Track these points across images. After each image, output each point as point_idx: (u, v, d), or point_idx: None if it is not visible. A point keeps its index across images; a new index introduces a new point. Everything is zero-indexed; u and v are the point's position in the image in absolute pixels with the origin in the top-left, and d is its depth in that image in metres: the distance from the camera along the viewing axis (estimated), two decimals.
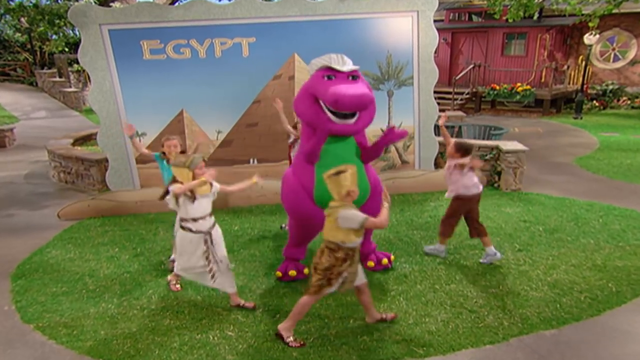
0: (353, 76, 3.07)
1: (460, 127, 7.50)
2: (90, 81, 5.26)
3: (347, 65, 3.10)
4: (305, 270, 3.54)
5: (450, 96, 12.48)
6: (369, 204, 3.30)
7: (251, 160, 5.68)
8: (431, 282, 3.50)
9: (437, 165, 6.18)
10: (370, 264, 3.65)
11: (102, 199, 5.28)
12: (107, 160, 5.50)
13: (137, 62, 5.13)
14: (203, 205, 2.93)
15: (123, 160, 5.43)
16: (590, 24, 9.20)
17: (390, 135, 3.11)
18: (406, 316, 3.05)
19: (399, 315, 3.05)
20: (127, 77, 5.17)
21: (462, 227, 4.52)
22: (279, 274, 3.55)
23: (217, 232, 3.06)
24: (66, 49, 15.99)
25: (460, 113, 9.26)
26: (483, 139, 7.18)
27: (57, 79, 15.10)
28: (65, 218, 5.11)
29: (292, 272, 3.54)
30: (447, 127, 7.58)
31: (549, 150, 8.01)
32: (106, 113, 5.23)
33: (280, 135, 5.64)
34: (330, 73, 3.05)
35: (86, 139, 7.82)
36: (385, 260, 3.69)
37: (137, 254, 4.15)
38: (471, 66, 13.26)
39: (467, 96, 13.10)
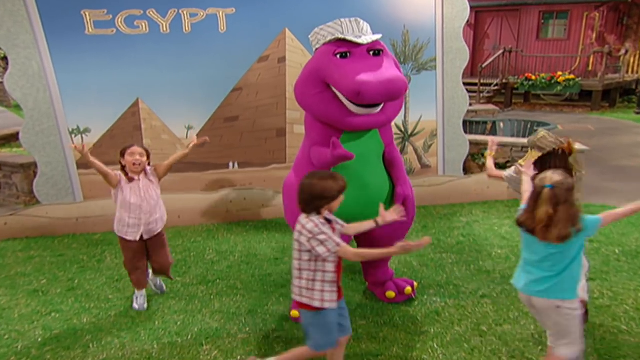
0: (375, 51, 2.83)
1: (494, 123, 7.35)
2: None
3: (365, 34, 2.86)
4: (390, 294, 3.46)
5: (475, 88, 12.42)
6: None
7: (230, 164, 5.50)
8: (475, 322, 3.24)
9: (468, 170, 6.00)
10: (390, 294, 3.49)
11: (26, 214, 5.03)
12: (36, 165, 5.22)
13: (77, 37, 4.90)
14: None
15: (59, 163, 5.15)
16: None
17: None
18: None
19: None
20: (64, 57, 4.92)
21: (507, 249, 4.32)
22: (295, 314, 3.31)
23: None
24: None
25: (491, 107, 9.18)
26: (524, 136, 7.02)
27: None
28: None
29: None
30: (477, 122, 7.51)
31: (607, 152, 7.90)
32: (33, 103, 4.97)
33: (268, 132, 5.47)
34: (344, 49, 2.80)
35: (9, 139, 7.57)
36: (408, 289, 3.53)
37: (74, 287, 3.90)
38: (500, 52, 13.27)
39: (496, 88, 13.07)
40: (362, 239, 3.35)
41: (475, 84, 12.54)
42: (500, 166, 5.97)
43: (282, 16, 5.23)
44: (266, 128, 5.42)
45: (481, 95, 12.55)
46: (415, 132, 5.72)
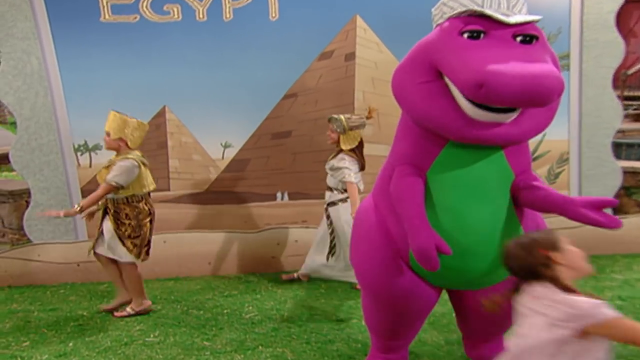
0: (525, 36, 2.61)
1: None
2: None
3: (514, 12, 2.68)
4: None
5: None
6: None
7: (279, 195, 5.53)
8: None
9: (619, 208, 5.73)
10: None
11: (11, 256, 5.21)
12: (29, 193, 5.46)
13: (90, 26, 5.16)
14: None
15: (59, 190, 5.37)
16: None
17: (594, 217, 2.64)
18: None
19: None
20: (71, 52, 5.18)
21: None
22: None
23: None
24: None
25: None
26: None
27: None
28: None
29: None
30: (630, 145, 7.13)
31: None
32: (30, 110, 5.23)
33: (329, 153, 5.43)
34: (476, 26, 2.61)
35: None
36: None
37: (67, 352, 3.91)
38: None
39: None
40: (464, 299, 3.17)
41: (617, 97, 12.18)
42: None
43: (351, 0, 5.32)
44: (327, 147, 5.38)
45: (625, 111, 12.11)
46: (536, 155, 5.53)
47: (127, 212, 4.24)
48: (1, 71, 5.14)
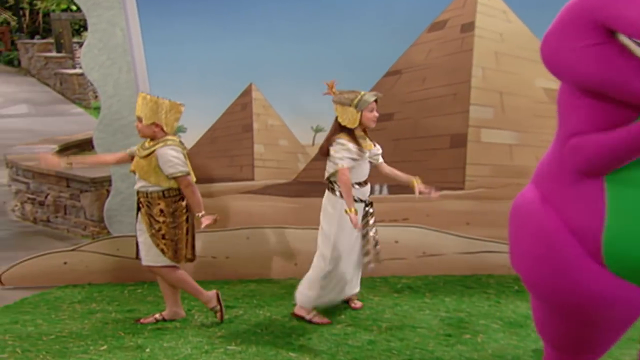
0: None
1: None
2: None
3: None
4: None
5: None
6: None
7: (377, 188, 5.44)
8: None
9: None
10: None
11: (92, 250, 5.39)
12: (110, 181, 5.70)
13: None
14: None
15: None
16: None
17: None
18: None
19: None
20: (155, 23, 5.30)
21: None
22: None
23: None
24: (72, 7, 18.10)
25: None
26: None
27: (54, 54, 17.17)
28: (11, 285, 5.29)
29: None
30: None
31: None
32: (113, 88, 5.42)
33: (438, 140, 5.36)
34: None
35: (83, 147, 8.39)
36: None
37: (143, 358, 4.00)
38: None
39: None
40: None
41: None
42: None
43: None
44: (435, 133, 5.33)
45: None
46: None
47: (162, 207, 4.21)
48: (88, 45, 5.36)
